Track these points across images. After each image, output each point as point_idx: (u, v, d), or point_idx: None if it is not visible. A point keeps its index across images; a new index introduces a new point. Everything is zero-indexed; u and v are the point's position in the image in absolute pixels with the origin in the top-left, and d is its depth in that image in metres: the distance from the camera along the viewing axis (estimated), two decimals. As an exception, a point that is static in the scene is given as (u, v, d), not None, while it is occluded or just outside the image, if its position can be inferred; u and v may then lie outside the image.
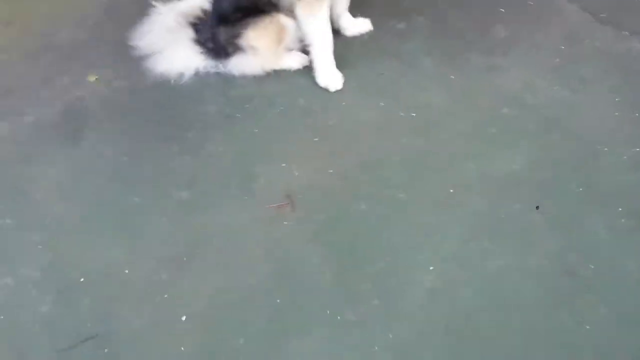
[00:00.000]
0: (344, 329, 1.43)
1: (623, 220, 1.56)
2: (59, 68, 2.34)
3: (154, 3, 2.30)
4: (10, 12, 2.68)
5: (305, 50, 2.11)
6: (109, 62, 2.32)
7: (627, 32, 2.11)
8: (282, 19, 1.96)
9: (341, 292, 1.51)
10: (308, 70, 2.11)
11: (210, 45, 2.16)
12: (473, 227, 1.60)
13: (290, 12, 1.95)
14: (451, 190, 1.70)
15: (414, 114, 1.92)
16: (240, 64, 2.11)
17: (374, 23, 2.26)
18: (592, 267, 1.48)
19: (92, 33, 2.50)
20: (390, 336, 1.41)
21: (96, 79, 2.27)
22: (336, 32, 2.16)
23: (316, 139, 1.90)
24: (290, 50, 2.12)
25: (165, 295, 1.55)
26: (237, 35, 2.02)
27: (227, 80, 2.14)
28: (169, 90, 2.15)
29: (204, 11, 2.22)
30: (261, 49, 2.03)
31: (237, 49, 2.06)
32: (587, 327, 1.37)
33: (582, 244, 1.53)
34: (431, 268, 1.53)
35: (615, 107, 1.84)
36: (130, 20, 2.30)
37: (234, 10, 1.97)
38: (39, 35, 2.53)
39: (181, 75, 2.18)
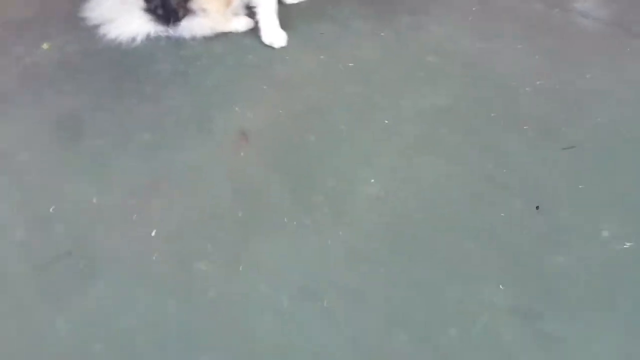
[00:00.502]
0: (301, 231, 1.62)
1: (529, 135, 1.85)
2: (11, 40, 2.43)
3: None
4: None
5: (250, 14, 2.33)
6: (60, 32, 2.43)
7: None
8: (231, -20, 2.17)
9: (296, 204, 1.70)
10: (253, 32, 2.32)
11: (160, 12, 2.33)
12: (407, 147, 1.84)
13: (238, -24, 2.17)
14: (386, 122, 1.94)
15: (352, 64, 2.16)
16: (190, 27, 2.29)
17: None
18: (505, 171, 1.75)
19: (40, 9, 2.61)
20: (340, 233, 1.61)
21: (49, 46, 2.38)
22: (279, 1, 2.39)
23: (265, 87, 2.10)
24: (237, 14, 2.33)
25: (134, 216, 1.69)
26: (188, -1, 2.20)
27: (178, 42, 2.32)
28: (122, 53, 2.30)
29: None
30: (211, 12, 2.22)
31: (188, 12, 2.25)
32: (502, 215, 1.63)
33: (499, 156, 1.81)
34: (372, 181, 1.76)
35: (519, 52, 2.16)
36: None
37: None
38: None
39: (133, 39, 2.33)
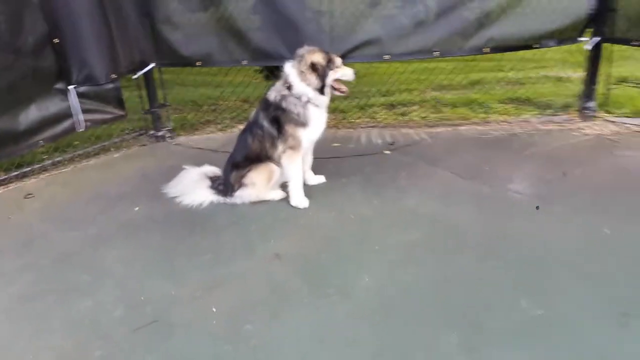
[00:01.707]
0: (326, 299, 2.38)
1: (470, 257, 2.68)
2: (111, 205, 3.46)
3: (184, 166, 3.58)
4: (36, 183, 3.87)
5: (283, 188, 3.37)
6: (149, 201, 3.47)
7: (480, 182, 3.47)
8: (273, 165, 3.25)
9: (313, 293, 2.48)
10: (284, 199, 3.33)
11: (221, 187, 3.38)
12: (390, 261, 2.67)
13: (278, 162, 3.25)
14: (376, 247, 2.80)
15: (352, 217, 3.10)
16: (242, 196, 3.30)
17: (327, 179, 3.59)
18: (456, 278, 2.55)
19: (134, 187, 3.69)
20: (344, 310, 2.36)
21: (138, 209, 3.38)
22: (304, 183, 3.44)
23: (293, 230, 3.02)
24: (274, 188, 3.37)
25: (200, 300, 2.46)
26: (243, 176, 3.26)
27: (232, 205, 3.32)
28: (193, 212, 3.28)
29: (214, 173, 3.50)
30: (257, 184, 3.25)
31: (241, 185, 3.28)
32: (452, 305, 2.38)
33: (449, 266, 2.61)
34: (366, 279, 2.55)
35: (468, 212, 3.10)
36: (160, 179, 3.55)
37: (243, 160, 3.25)
38: (94, 190, 3.69)
39: (200, 204, 3.34)
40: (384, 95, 5.47)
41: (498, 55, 5.70)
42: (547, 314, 2.24)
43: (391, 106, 5.04)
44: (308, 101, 3.10)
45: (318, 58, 3.06)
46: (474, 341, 2.12)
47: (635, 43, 3.85)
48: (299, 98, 3.08)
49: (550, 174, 3.46)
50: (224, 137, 4.38)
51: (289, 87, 3.10)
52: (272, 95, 3.18)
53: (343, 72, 3.14)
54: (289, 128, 3.13)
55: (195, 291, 2.54)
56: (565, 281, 2.44)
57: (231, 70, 5.50)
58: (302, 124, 3.12)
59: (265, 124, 3.18)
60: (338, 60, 3.13)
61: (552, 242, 2.74)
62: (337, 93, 3.20)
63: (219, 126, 4.86)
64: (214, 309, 2.41)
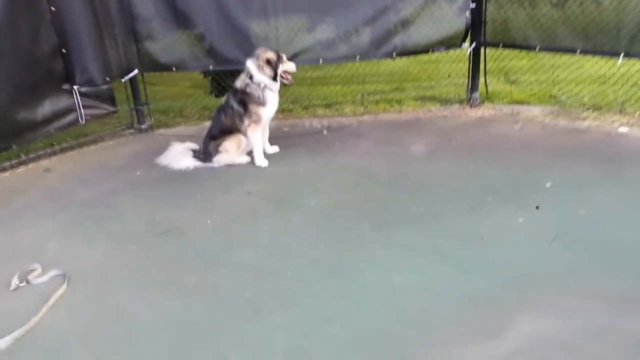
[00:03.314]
0: (285, 213, 3.59)
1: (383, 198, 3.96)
2: (112, 173, 4.56)
3: (172, 143, 4.73)
4: (51, 162, 4.94)
5: (248, 154, 4.57)
6: (146, 169, 4.58)
7: (391, 146, 4.77)
8: (241, 136, 4.45)
9: (276, 208, 3.68)
10: (250, 163, 4.54)
11: (202, 155, 4.55)
12: (330, 191, 3.91)
13: (244, 133, 4.46)
14: (318, 185, 4.03)
15: (302, 170, 4.34)
16: (218, 160, 4.48)
17: (280, 149, 4.82)
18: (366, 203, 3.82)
19: (131, 161, 4.80)
20: (300, 215, 3.58)
21: (139, 173, 4.50)
22: (264, 151, 4.65)
23: (257, 178, 4.23)
24: (242, 154, 4.57)
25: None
26: (218, 145, 4.44)
27: (211, 168, 4.49)
28: (180, 174, 4.43)
29: (195, 148, 4.66)
30: (230, 150, 4.44)
31: (218, 152, 4.46)
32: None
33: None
34: (312, 201, 3.78)
35: (381, 163, 4.40)
36: (151, 155, 4.68)
37: (218, 133, 4.44)
38: (100, 164, 4.78)
39: (187, 168, 4.49)
40: (323, 100, 6.77)
41: (418, 68, 7.20)
42: (427, 211, 3.54)
43: (328, 105, 6.35)
44: (265, 87, 4.34)
45: (271, 55, 4.32)
46: (379, 226, 3.38)
47: (500, 47, 5.35)
48: (258, 85, 4.33)
49: (440, 140, 4.83)
50: (195, 129, 5.54)
51: (251, 77, 4.34)
52: (239, 84, 4.41)
53: (289, 65, 4.40)
54: (252, 107, 4.36)
55: (194, 214, 3.71)
56: (440, 194, 3.76)
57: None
58: (262, 103, 4.36)
59: (234, 105, 4.40)
60: (285, 57, 4.40)
61: (434, 175, 4.08)
62: (285, 81, 4.45)
63: (190, 123, 6.00)
64: (209, 222, 3.59)
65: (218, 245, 3.32)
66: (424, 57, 7.36)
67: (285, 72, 4.39)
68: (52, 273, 3.08)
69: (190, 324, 2.63)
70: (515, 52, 5.91)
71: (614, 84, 5.48)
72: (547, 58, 5.99)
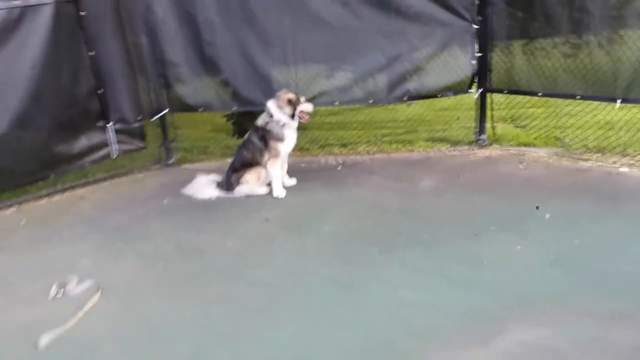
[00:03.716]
0: (299, 238, 3.88)
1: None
2: (144, 202, 4.91)
3: (197, 174, 5.09)
4: (84, 192, 5.32)
5: (267, 185, 4.90)
6: (173, 198, 4.93)
7: (401, 182, 5.08)
8: (261, 169, 4.80)
9: (291, 233, 3.98)
10: (269, 193, 4.86)
11: (224, 186, 4.90)
12: (343, 220, 4.20)
13: (264, 166, 4.80)
14: (332, 212, 4.33)
15: (315, 200, 4.65)
16: (239, 191, 4.81)
17: (297, 182, 5.14)
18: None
19: (159, 192, 5.15)
20: (314, 239, 3.87)
21: (167, 201, 4.84)
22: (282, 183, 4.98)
23: (274, 207, 4.54)
24: (262, 185, 4.90)
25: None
26: (240, 176, 4.79)
27: (232, 198, 4.81)
28: (204, 203, 4.77)
29: (218, 180, 5.01)
30: (251, 182, 4.78)
31: (239, 183, 4.80)
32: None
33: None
34: (326, 228, 4.07)
35: (391, 196, 4.69)
36: (177, 187, 5.04)
37: (240, 165, 4.80)
38: (130, 194, 5.14)
39: (210, 198, 4.83)
40: (339, 140, 7.12)
41: (432, 115, 7.57)
42: (433, 238, 3.79)
43: (343, 145, 6.70)
44: (284, 124, 4.71)
45: (291, 96, 4.70)
46: (388, 250, 3.64)
47: (505, 92, 5.72)
48: (277, 122, 4.70)
49: (448, 177, 5.11)
50: (218, 164, 5.90)
51: (271, 116, 4.72)
52: (260, 121, 4.79)
53: (305, 106, 4.77)
54: (272, 143, 4.72)
55: (215, 237, 4.02)
56: (446, 224, 4.02)
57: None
58: (281, 139, 4.72)
59: (256, 140, 4.77)
60: (303, 99, 4.78)
61: (441, 208, 4.35)
62: (302, 120, 4.81)
63: (212, 160, 6.39)
64: (230, 244, 3.89)
65: (237, 265, 3.61)
66: (438, 105, 7.73)
67: (302, 112, 4.75)
68: (87, 284, 3.40)
69: (211, 329, 2.90)
70: (527, 99, 6.22)
71: (619, 130, 5.76)
72: (556, 106, 6.32)
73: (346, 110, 8.11)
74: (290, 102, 4.67)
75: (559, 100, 6.02)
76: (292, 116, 4.70)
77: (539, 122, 6.40)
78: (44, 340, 2.86)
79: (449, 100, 6.88)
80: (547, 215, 3.99)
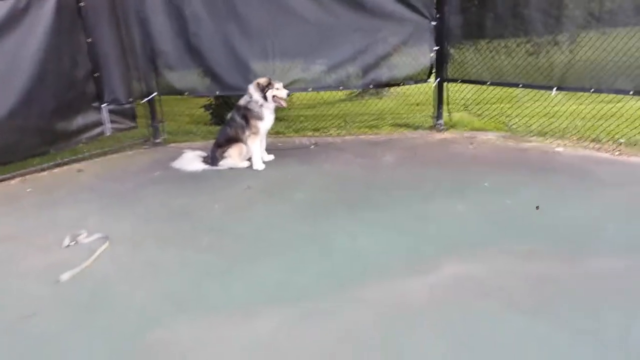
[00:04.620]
0: (276, 203, 4.54)
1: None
2: (137, 174, 5.51)
3: (184, 150, 5.71)
4: (81, 166, 5.91)
5: (248, 160, 5.55)
6: (163, 170, 5.54)
7: (366, 158, 5.77)
8: (242, 144, 5.44)
9: (269, 199, 4.65)
10: (249, 167, 5.50)
11: (209, 160, 5.53)
12: (315, 188, 4.88)
13: (245, 142, 5.45)
14: (306, 183, 5.01)
15: (290, 173, 5.31)
16: (223, 164, 5.45)
17: (275, 158, 5.80)
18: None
19: (150, 165, 5.76)
20: (290, 204, 4.54)
21: (158, 173, 5.46)
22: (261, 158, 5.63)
23: (254, 178, 5.19)
24: (243, 159, 5.54)
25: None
26: (224, 151, 5.43)
27: (217, 170, 5.45)
28: (191, 175, 5.39)
29: (203, 154, 5.65)
30: (233, 156, 5.43)
31: (223, 157, 5.44)
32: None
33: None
34: (300, 194, 4.74)
35: (357, 170, 5.39)
36: (166, 161, 5.65)
37: (224, 141, 5.44)
38: (123, 167, 5.74)
39: (197, 170, 5.46)
40: (313, 125, 7.80)
41: (405, 109, 8.28)
42: (389, 201, 4.49)
43: (317, 129, 7.37)
44: (262, 105, 5.36)
45: (262, 81, 5.35)
46: (351, 210, 4.31)
47: (459, 81, 6.46)
48: (256, 102, 5.35)
49: (407, 154, 5.83)
50: (202, 144, 6.52)
51: (251, 97, 5.37)
52: (242, 102, 5.44)
53: (278, 92, 5.39)
54: (252, 121, 5.37)
55: (203, 201, 4.64)
56: (401, 190, 4.73)
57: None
58: (260, 118, 5.37)
59: (238, 118, 5.41)
60: (277, 84, 5.38)
61: (398, 178, 5.06)
62: (277, 104, 5.43)
63: (196, 141, 7.00)
64: (216, 206, 4.53)
65: (223, 222, 4.25)
66: (411, 100, 8.46)
67: (275, 96, 5.36)
68: (96, 235, 4.00)
69: (203, 269, 3.52)
70: (493, 94, 6.97)
71: (559, 117, 6.57)
72: (517, 99, 7.14)
73: (321, 104, 8.82)
74: (264, 85, 5.31)
75: (520, 95, 6.84)
76: (265, 98, 5.32)
77: (492, 111, 7.17)
78: (65, 276, 3.46)
79: (421, 96, 7.63)
80: (486, 184, 4.72)
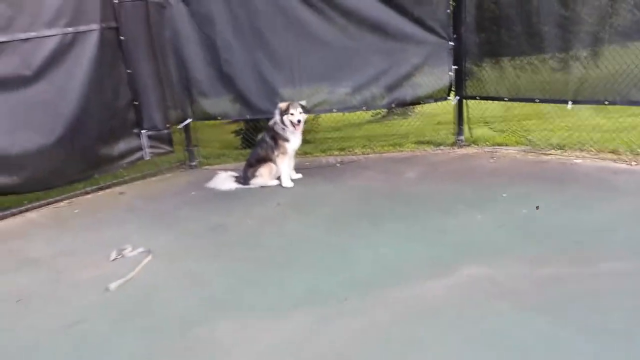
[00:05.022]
0: (305, 217, 4.85)
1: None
2: (175, 195, 5.90)
3: (218, 171, 6.09)
4: (122, 189, 6.33)
5: (277, 178, 5.89)
6: (198, 191, 5.92)
7: (389, 174, 6.04)
8: (272, 164, 5.79)
9: (298, 214, 4.95)
10: (278, 185, 5.84)
11: (242, 180, 5.89)
12: (341, 203, 5.17)
13: (275, 162, 5.80)
14: (332, 198, 5.30)
15: (317, 190, 5.62)
16: (255, 183, 5.81)
17: (302, 176, 6.12)
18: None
19: (185, 187, 6.15)
20: (315, 217, 4.84)
21: (194, 193, 5.83)
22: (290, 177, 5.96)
23: (284, 195, 5.52)
24: (273, 178, 5.89)
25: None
26: (255, 170, 5.78)
27: (249, 189, 5.80)
28: (225, 193, 5.75)
29: (236, 175, 6.01)
30: (264, 175, 5.78)
31: (254, 176, 5.80)
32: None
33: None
34: (326, 209, 5.05)
35: (380, 184, 5.66)
36: (201, 182, 6.03)
37: (255, 161, 5.80)
38: (161, 189, 6.14)
39: (230, 189, 5.83)
40: (338, 144, 8.12)
41: (430, 129, 8.53)
42: (411, 213, 4.74)
43: (342, 149, 7.69)
44: (284, 128, 5.71)
45: (282, 106, 5.70)
46: (374, 222, 4.58)
47: (477, 98, 6.72)
48: (280, 125, 5.70)
49: (428, 169, 6.10)
50: (234, 165, 6.90)
51: (276, 120, 5.74)
52: (271, 123, 5.81)
53: (292, 117, 5.65)
54: (280, 141, 5.73)
55: (237, 218, 4.97)
56: (423, 203, 4.98)
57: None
58: (286, 139, 5.73)
59: (268, 139, 5.78)
60: (294, 110, 5.64)
61: (420, 192, 5.31)
62: (291, 128, 5.69)
63: (228, 163, 7.39)
64: (249, 221, 4.86)
65: (256, 236, 4.57)
66: (436, 119, 8.74)
67: (291, 122, 5.67)
68: (139, 249, 4.37)
69: (238, 278, 3.83)
70: (522, 112, 7.23)
71: (577, 130, 6.76)
72: (536, 114, 7.37)
73: (347, 126, 9.15)
74: (283, 110, 5.67)
75: (545, 110, 7.07)
76: (283, 122, 5.67)
77: (512, 126, 7.38)
78: (113, 285, 3.81)
79: (446, 116, 7.89)
80: (504, 195, 4.94)
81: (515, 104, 7.26)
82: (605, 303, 3.04)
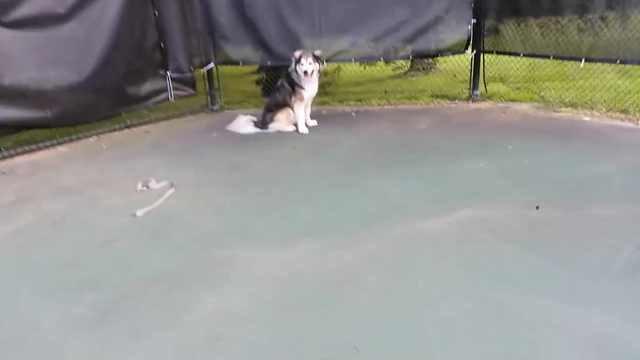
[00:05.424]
0: (318, 160, 5.15)
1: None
2: (197, 134, 6.22)
3: (238, 115, 6.38)
4: (148, 128, 6.66)
5: (294, 124, 6.16)
6: (219, 132, 6.23)
7: (403, 124, 6.28)
8: (289, 109, 6.06)
9: (311, 157, 5.25)
10: (295, 131, 6.12)
11: (260, 125, 6.18)
12: (353, 147, 5.46)
13: (292, 107, 6.06)
14: (344, 143, 5.58)
15: (332, 135, 5.90)
16: (272, 127, 6.09)
17: (318, 123, 6.39)
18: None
19: (207, 127, 6.47)
20: (328, 160, 5.14)
21: (215, 134, 6.15)
22: (305, 123, 6.23)
23: (298, 139, 5.80)
24: (290, 124, 6.16)
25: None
26: (273, 115, 6.06)
27: (267, 133, 6.09)
28: (244, 137, 6.05)
29: (254, 119, 6.29)
30: (282, 120, 6.05)
31: (272, 121, 6.08)
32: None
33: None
34: (338, 153, 5.33)
35: (392, 133, 5.91)
36: (222, 125, 6.33)
37: (273, 106, 6.07)
38: (184, 129, 6.46)
39: (249, 133, 6.12)
40: (356, 96, 8.33)
41: (448, 85, 8.66)
42: (418, 159, 5.01)
43: (359, 100, 7.90)
44: (299, 75, 5.94)
45: (296, 54, 5.94)
46: (383, 166, 4.86)
47: (494, 53, 6.83)
48: (297, 73, 5.94)
49: (441, 121, 6.31)
50: (254, 110, 7.17)
51: (292, 69, 5.97)
52: (289, 69, 6.04)
53: (301, 67, 5.88)
54: (296, 88, 5.98)
55: (255, 158, 5.27)
56: (431, 150, 5.24)
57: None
58: (301, 87, 5.97)
59: (286, 85, 6.03)
60: (304, 60, 5.86)
61: (430, 140, 5.56)
62: (303, 77, 5.90)
63: (248, 108, 7.67)
64: (266, 161, 5.17)
65: (272, 175, 4.87)
66: (459, 77, 8.84)
67: (302, 70, 5.88)
68: (164, 182, 4.71)
69: (254, 209, 4.16)
70: (545, 71, 7.33)
71: (592, 90, 6.87)
72: (559, 75, 7.48)
73: (369, 81, 9.31)
74: (297, 59, 5.90)
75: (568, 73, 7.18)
76: (296, 71, 5.91)
77: (529, 84, 7.50)
78: (140, 212, 4.17)
79: (466, 73, 7.96)
80: (510, 147, 5.17)
81: (540, 63, 7.36)
82: (588, 242, 3.31)
